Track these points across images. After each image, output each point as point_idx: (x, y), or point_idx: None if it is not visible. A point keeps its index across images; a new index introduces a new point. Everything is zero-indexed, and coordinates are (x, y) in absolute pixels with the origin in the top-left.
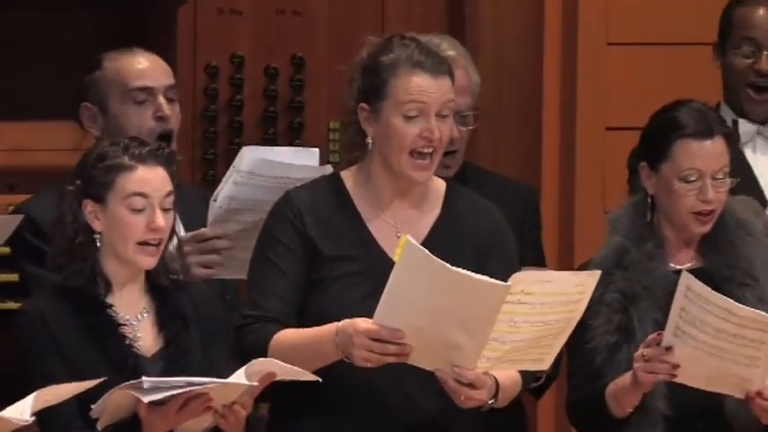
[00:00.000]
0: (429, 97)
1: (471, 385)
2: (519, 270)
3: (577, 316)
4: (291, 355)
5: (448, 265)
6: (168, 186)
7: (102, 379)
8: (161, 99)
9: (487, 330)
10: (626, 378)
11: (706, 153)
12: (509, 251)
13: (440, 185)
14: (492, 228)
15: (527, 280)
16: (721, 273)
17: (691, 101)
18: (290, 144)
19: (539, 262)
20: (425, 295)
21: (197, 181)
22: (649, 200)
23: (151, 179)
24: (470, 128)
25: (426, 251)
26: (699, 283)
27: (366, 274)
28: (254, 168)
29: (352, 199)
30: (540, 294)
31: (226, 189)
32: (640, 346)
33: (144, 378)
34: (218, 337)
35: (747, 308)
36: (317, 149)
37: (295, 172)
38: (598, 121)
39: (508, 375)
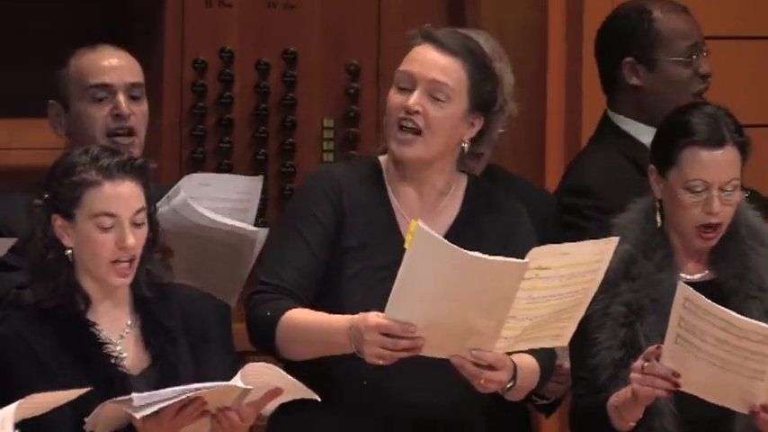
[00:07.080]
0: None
1: (491, 367)
2: None
3: (595, 285)
4: (300, 337)
5: (461, 249)
6: (138, 203)
7: (86, 389)
8: (120, 97)
9: (506, 310)
10: (628, 390)
11: (715, 164)
12: (531, 241)
13: (461, 181)
14: (515, 222)
15: (543, 254)
16: (730, 284)
17: (706, 104)
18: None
19: None
20: (439, 282)
21: None
22: (657, 204)
23: (118, 196)
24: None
25: (438, 236)
26: (697, 294)
27: (388, 269)
28: (179, 208)
29: (386, 187)
30: (558, 267)
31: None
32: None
33: (134, 395)
34: (209, 339)
35: (748, 320)
36: (260, 177)
37: (216, 224)
38: None
39: (525, 362)
